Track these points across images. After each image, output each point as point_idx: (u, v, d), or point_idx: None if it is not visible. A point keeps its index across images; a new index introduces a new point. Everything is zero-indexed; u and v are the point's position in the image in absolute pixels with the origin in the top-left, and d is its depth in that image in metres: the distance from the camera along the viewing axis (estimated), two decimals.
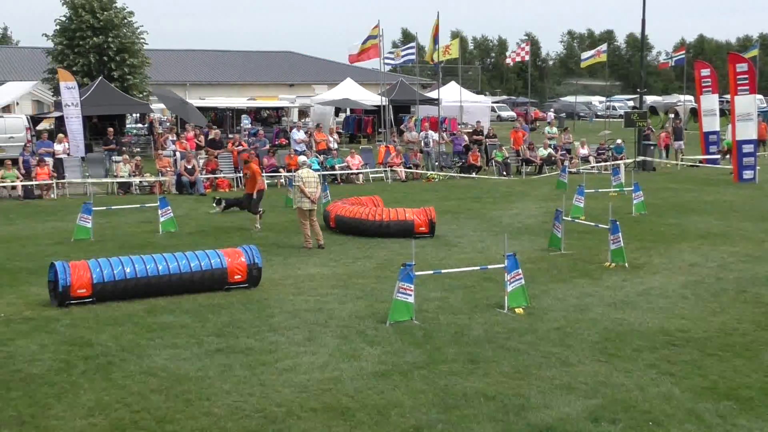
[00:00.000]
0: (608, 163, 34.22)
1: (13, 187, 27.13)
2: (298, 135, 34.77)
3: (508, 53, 62.92)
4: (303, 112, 51.28)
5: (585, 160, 35.36)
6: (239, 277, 13.90)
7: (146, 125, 44.05)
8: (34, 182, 27.27)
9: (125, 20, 43.94)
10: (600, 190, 24.03)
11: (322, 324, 11.92)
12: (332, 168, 31.52)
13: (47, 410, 8.77)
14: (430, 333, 11.43)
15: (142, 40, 44.98)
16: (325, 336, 11.34)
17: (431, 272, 13.26)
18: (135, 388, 9.38)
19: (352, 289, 14.00)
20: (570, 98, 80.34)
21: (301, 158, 19.37)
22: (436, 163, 34.36)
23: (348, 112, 51.80)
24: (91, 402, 8.98)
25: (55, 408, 8.82)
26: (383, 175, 32.14)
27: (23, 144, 32.21)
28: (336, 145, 35.38)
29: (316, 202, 17.79)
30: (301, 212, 17.61)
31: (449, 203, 24.81)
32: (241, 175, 24.86)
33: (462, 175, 32.79)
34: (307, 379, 9.64)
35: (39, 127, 38.39)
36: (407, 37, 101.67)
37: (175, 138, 33.18)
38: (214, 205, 22.85)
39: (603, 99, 79.17)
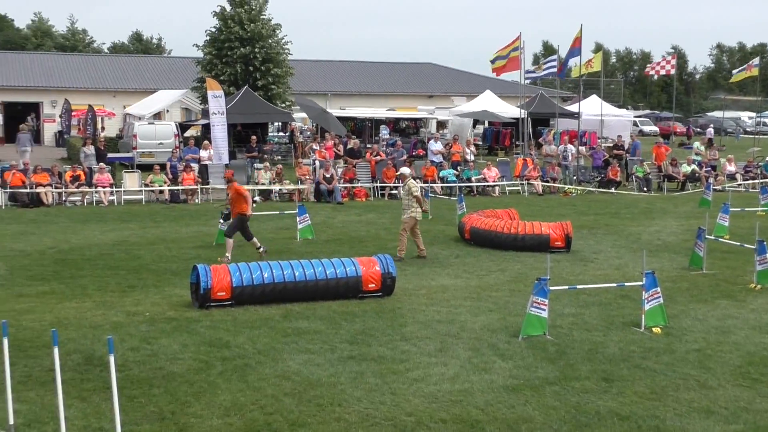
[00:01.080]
0: (756, 181, 32.91)
1: (161, 191, 28.24)
2: (435, 146, 34.87)
3: (649, 64, 61.08)
4: (441, 124, 51.42)
5: (731, 177, 34.11)
6: (373, 285, 14.04)
7: (287, 134, 45.08)
8: (180, 187, 28.32)
9: (272, 31, 45.16)
10: (746, 210, 23.13)
11: (453, 335, 11.90)
12: (468, 180, 31.46)
13: (186, 408, 9.07)
14: (564, 349, 11.24)
15: (286, 51, 46.12)
16: (456, 347, 11.31)
17: (566, 287, 13.06)
18: (269, 391, 9.60)
19: (485, 302, 13.93)
20: (717, 113, 77.66)
21: (406, 170, 18.79)
22: (574, 177, 33.84)
23: (486, 124, 51.60)
24: (227, 402, 9.24)
25: (193, 406, 9.11)
26: (520, 188, 31.86)
27: (171, 150, 33.51)
28: (473, 157, 35.30)
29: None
30: (414, 221, 17.56)
31: (586, 218, 24.37)
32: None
33: (601, 189, 32.18)
34: (437, 389, 9.65)
35: (186, 134, 39.89)
36: (548, 50, 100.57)
37: (316, 147, 33.80)
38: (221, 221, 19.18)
39: (753, 115, 76.18)
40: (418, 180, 18.07)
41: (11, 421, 8.27)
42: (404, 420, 8.72)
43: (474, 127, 50.88)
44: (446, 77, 70.46)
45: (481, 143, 48.75)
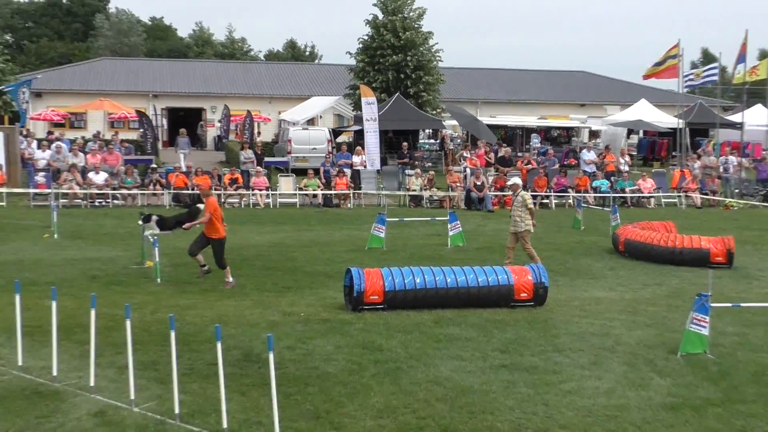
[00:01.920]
0: None
1: (314, 196, 28.87)
2: (588, 155, 34.29)
3: None
4: (594, 133, 50.48)
5: None
6: (525, 295, 13.92)
7: (438, 141, 45.28)
8: (333, 191, 28.88)
9: (424, 39, 45.50)
10: None
11: (608, 349, 11.65)
12: (622, 190, 30.76)
13: (340, 408, 9.23)
14: (727, 369, 10.82)
15: (437, 58, 46.35)
16: (611, 361, 11.07)
17: (729, 305, 12.57)
18: (421, 395, 9.66)
19: (641, 316, 13.58)
20: None
21: (517, 180, 18.46)
22: (736, 191, 32.55)
23: (641, 134, 50.32)
24: (380, 404, 9.35)
25: (347, 406, 9.26)
26: (676, 200, 30.92)
27: (325, 155, 34.19)
28: (627, 167, 34.50)
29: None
30: (529, 234, 17.10)
31: (750, 233, 23.39)
32: None
33: (765, 204, 30.82)
34: (591, 403, 9.46)
35: (339, 140, 40.64)
36: (707, 58, 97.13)
37: (467, 154, 33.81)
38: (140, 222, 17.00)
39: None
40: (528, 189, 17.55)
41: (177, 411, 8.64)
42: None
43: (628, 136, 49.70)
44: (599, 85, 69.12)
45: (635, 153, 47.57)
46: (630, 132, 49.71)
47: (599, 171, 32.52)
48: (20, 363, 10.15)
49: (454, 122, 46.80)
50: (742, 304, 12.87)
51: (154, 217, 16.80)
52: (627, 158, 36.17)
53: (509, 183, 18.79)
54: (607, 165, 33.50)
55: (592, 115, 54.63)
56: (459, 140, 47.15)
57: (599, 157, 34.68)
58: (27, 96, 29.72)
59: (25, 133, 33.88)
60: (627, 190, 30.81)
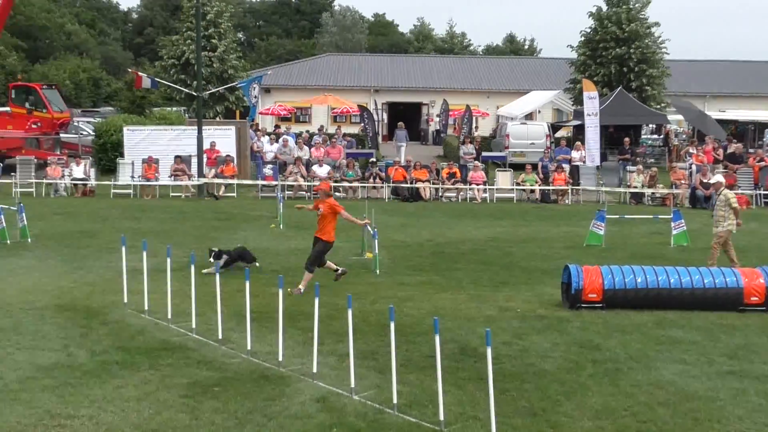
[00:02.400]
0: None
1: (532, 191, 28.61)
2: None
3: None
4: None
5: None
6: (756, 299, 13.15)
7: (662, 136, 43.65)
8: (550, 187, 28.50)
9: (649, 30, 43.99)
10: None
11: None
12: None
13: (557, 406, 9.10)
14: None
15: (663, 50, 44.68)
16: None
17: None
18: (642, 398, 9.35)
19: None
20: None
21: (720, 177, 17.40)
22: None
23: None
24: (598, 405, 9.13)
25: (564, 405, 9.11)
26: None
27: (543, 150, 33.80)
28: None
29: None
30: (729, 234, 16.16)
31: None
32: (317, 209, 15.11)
33: None
34: None
35: (557, 135, 40.06)
36: None
37: (693, 150, 32.40)
38: (211, 260, 15.20)
39: None
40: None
41: (395, 401, 8.81)
42: None
43: None
44: None
45: None
46: None
47: None
48: (249, 348, 10.68)
49: (680, 117, 44.97)
50: None
51: (225, 256, 15.47)
52: None
53: (712, 181, 17.71)
54: None
55: None
56: (684, 136, 45.27)
57: None
58: (257, 91, 31.24)
59: (255, 127, 35.68)
60: None
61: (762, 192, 28.07)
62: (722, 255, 16.22)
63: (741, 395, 9.46)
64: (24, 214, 18.41)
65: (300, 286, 14.05)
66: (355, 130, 45.60)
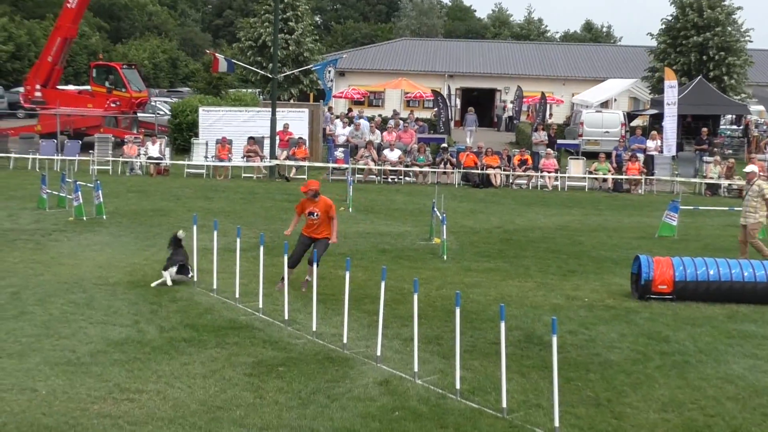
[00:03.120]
0: None
1: (604, 180, 28.23)
2: None
3: None
4: None
5: None
6: None
7: (741, 127, 42.62)
8: (624, 176, 28.08)
9: (730, 16, 42.93)
10: None
11: None
12: None
13: (622, 397, 8.99)
14: None
15: (746, 38, 43.57)
16: None
17: None
18: (710, 392, 9.18)
19: None
20: None
21: (754, 168, 16.87)
22: None
23: None
24: (665, 397, 9.00)
25: (629, 396, 9.01)
26: None
27: (617, 139, 33.29)
28: None
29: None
30: (761, 226, 15.92)
31: None
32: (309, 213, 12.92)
33: None
34: None
35: (633, 124, 39.41)
36: None
37: None
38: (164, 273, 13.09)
39: None
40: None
41: (458, 386, 8.81)
42: None
43: None
44: None
45: None
46: None
47: None
48: (314, 329, 10.78)
49: (762, 108, 43.83)
50: None
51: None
52: None
53: (745, 170, 17.19)
54: None
55: None
56: (765, 127, 44.14)
57: None
58: (332, 75, 31.37)
59: (328, 110, 35.81)
60: None
61: None
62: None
63: None
64: (100, 192, 18.81)
65: (307, 278, 12.87)
66: (427, 115, 45.51)
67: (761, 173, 27.23)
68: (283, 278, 11.97)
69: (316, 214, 12.78)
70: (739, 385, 9.42)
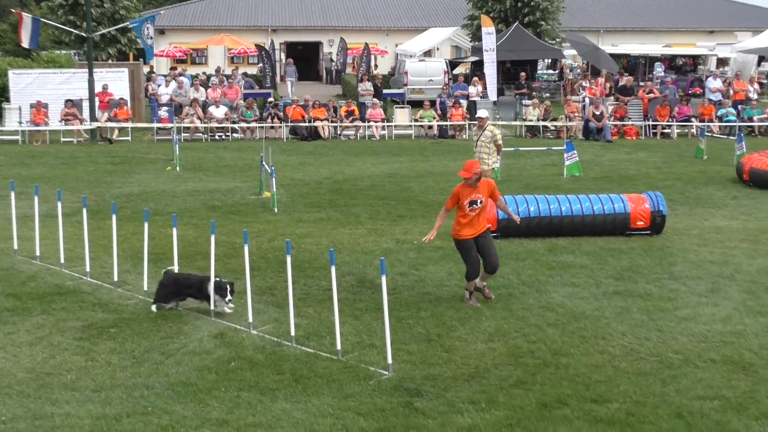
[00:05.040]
0: None
1: (430, 127, 28.81)
2: (713, 83, 33.03)
3: None
4: (722, 61, 48.46)
5: None
6: (642, 223, 13.67)
7: (557, 71, 44.34)
8: (448, 123, 28.76)
9: None
10: None
11: (727, 277, 11.39)
12: (750, 119, 29.57)
13: (452, 332, 9.35)
14: None
15: None
16: (729, 289, 10.83)
17: None
18: (532, 320, 9.68)
19: (764, 245, 13.18)
20: None
21: (484, 113, 16.65)
22: None
23: None
24: (491, 328, 9.42)
25: (458, 330, 9.38)
26: None
27: (441, 87, 33.99)
28: (756, 96, 33.07)
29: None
30: (491, 173, 15.92)
31: None
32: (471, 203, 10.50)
33: None
34: (707, 329, 9.30)
35: (456, 71, 40.31)
36: None
37: (586, 84, 33.03)
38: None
39: None
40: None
41: (293, 333, 8.92)
42: (671, 357, 8.51)
43: (759, 64, 47.49)
44: (730, 11, 66.07)
45: (766, 81, 45.48)
46: (761, 59, 47.50)
47: (725, 99, 31.30)
48: (145, 288, 10.61)
49: (574, 52, 45.66)
50: None
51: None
52: (756, 86, 34.62)
53: (477, 115, 16.68)
54: (737, 93, 32.16)
55: (720, 43, 52.39)
56: (579, 70, 46.07)
57: (724, 84, 33.34)
58: (151, 32, 30.38)
59: (149, 69, 34.78)
60: (755, 118, 29.59)
61: (650, 123, 28.87)
62: (617, 185, 16.70)
63: (625, 313, 9.89)
64: None
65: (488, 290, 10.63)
66: (253, 70, 44.95)
67: (571, 114, 28.58)
68: (471, 293, 10.35)
69: (480, 201, 10.23)
70: (558, 312, 9.97)
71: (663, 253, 12.66)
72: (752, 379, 7.95)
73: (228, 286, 9.85)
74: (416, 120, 29.08)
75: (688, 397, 7.50)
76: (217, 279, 9.86)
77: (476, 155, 15.75)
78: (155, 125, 27.98)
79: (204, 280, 9.97)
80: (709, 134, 26.10)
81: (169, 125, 27.33)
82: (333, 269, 8.54)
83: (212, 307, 9.82)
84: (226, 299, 9.82)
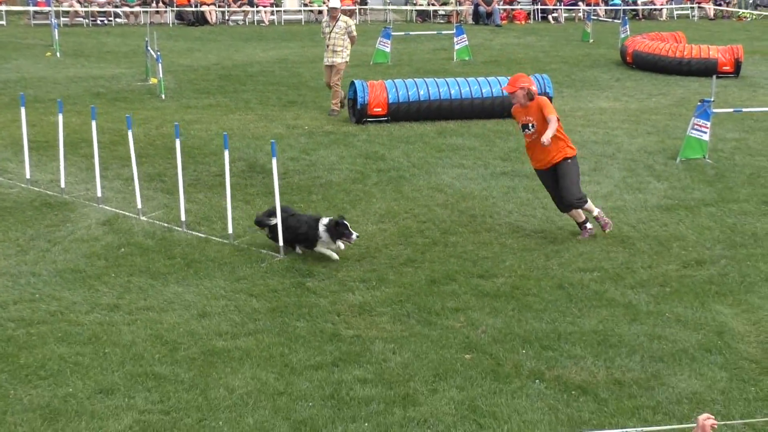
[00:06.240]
0: None
1: (320, 12, 28.35)
2: None
3: None
4: None
5: None
6: None
7: None
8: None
9: None
10: None
11: (609, 156, 11.77)
12: (634, 2, 30.07)
13: (343, 213, 9.42)
14: (723, 172, 10.96)
15: None
16: (611, 167, 11.21)
17: (731, 110, 12.58)
18: (422, 201, 9.85)
19: (644, 125, 13.62)
20: None
21: (336, 2, 15.10)
22: (751, 1, 31.80)
23: None
24: (382, 210, 9.55)
25: (349, 212, 9.45)
26: (689, 11, 30.26)
27: None
28: None
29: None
30: (344, 67, 14.73)
31: (761, 44, 23.10)
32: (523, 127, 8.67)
33: None
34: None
35: None
36: None
37: None
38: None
39: None
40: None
41: (183, 218, 8.85)
42: (554, 233, 8.82)
43: None
44: None
45: None
46: None
47: None
48: (28, 176, 10.32)
49: None
50: (743, 110, 12.87)
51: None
52: None
53: (329, 5, 15.34)
54: None
55: None
56: None
57: None
58: None
59: None
60: (639, 2, 30.12)
61: (539, 7, 29.08)
62: (505, 69, 16.84)
63: (511, 192, 10.16)
64: None
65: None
66: None
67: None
68: (581, 224, 8.69)
69: (531, 125, 8.50)
70: (447, 193, 10.16)
71: None
72: (629, 251, 8.32)
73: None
74: (305, 5, 28.57)
75: (569, 270, 7.82)
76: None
77: (329, 48, 14.47)
78: (32, 8, 26.70)
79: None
80: (596, 18, 26.51)
81: (47, 9, 26.14)
82: (226, 153, 8.46)
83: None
84: (353, 236, 8.12)
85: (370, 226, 9.05)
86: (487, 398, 5.62)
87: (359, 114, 13.55)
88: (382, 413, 5.46)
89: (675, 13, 30.22)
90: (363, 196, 10.07)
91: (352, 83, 13.83)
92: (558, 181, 8.55)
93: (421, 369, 6.03)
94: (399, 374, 5.96)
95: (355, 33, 14.76)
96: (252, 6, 28.09)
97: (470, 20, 28.04)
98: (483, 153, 11.91)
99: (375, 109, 13.55)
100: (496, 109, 13.83)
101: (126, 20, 27.09)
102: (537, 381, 5.83)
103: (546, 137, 8.19)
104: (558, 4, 29.12)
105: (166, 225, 8.97)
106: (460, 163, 11.44)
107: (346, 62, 14.51)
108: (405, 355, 6.24)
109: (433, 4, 28.68)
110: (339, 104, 14.37)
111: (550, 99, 13.82)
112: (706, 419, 3.73)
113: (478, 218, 9.26)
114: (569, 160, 8.51)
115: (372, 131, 13.09)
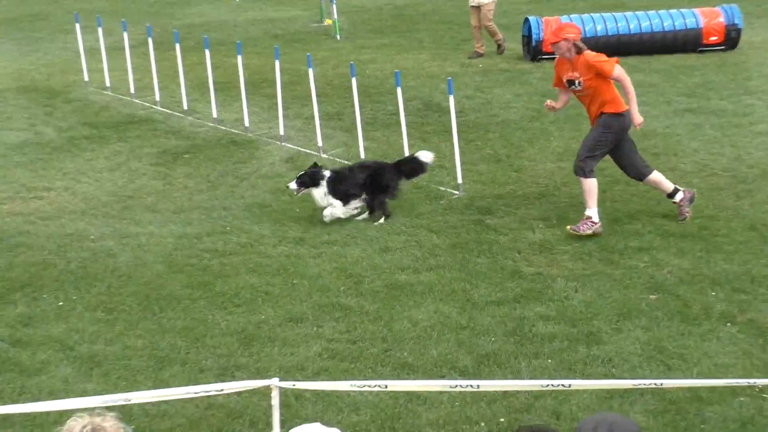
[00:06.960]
0: None
1: None
2: None
3: None
4: None
5: None
6: (715, 38, 13.23)
7: None
8: None
9: None
10: None
11: None
12: None
13: (520, 152, 9.36)
14: None
15: None
16: None
17: None
18: None
19: None
20: None
21: None
22: None
23: None
24: (560, 148, 9.40)
25: (527, 151, 9.38)
26: None
27: None
28: None
29: None
30: (494, 4, 13.63)
31: None
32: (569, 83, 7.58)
33: None
34: None
35: None
36: None
37: None
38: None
39: None
40: None
41: (362, 156, 9.00)
42: (745, 172, 8.43)
43: None
44: None
45: None
46: None
47: None
48: (215, 116, 10.73)
49: None
50: None
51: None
52: None
53: None
54: None
55: None
56: None
57: None
58: None
59: None
60: None
61: None
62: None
63: (697, 129, 9.76)
64: None
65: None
66: None
67: None
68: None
69: (577, 82, 7.54)
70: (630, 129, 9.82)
71: (738, 68, 12.31)
72: None
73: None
74: None
75: (762, 211, 7.47)
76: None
77: None
78: None
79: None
80: None
81: None
82: (399, 90, 8.52)
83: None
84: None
85: (548, 165, 8.94)
86: (675, 340, 5.50)
87: (534, 51, 13.29)
88: (565, 350, 5.44)
89: None
90: (540, 134, 9.93)
91: (527, 20, 13.56)
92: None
93: (605, 308, 5.95)
94: (582, 312, 5.91)
95: None
96: None
97: None
98: (665, 89, 11.46)
99: (550, 46, 13.22)
100: (679, 43, 13.24)
101: None
102: (728, 324, 5.64)
103: (637, 116, 7.47)
104: None
105: (346, 162, 9.13)
106: (641, 100, 10.86)
107: (494, 1, 13.76)
108: (587, 293, 6.17)
109: None
110: (501, 40, 13.98)
111: (739, 31, 13.20)
112: None
113: (661, 157, 8.96)
114: (604, 116, 7.49)
115: (547, 69, 12.71)
